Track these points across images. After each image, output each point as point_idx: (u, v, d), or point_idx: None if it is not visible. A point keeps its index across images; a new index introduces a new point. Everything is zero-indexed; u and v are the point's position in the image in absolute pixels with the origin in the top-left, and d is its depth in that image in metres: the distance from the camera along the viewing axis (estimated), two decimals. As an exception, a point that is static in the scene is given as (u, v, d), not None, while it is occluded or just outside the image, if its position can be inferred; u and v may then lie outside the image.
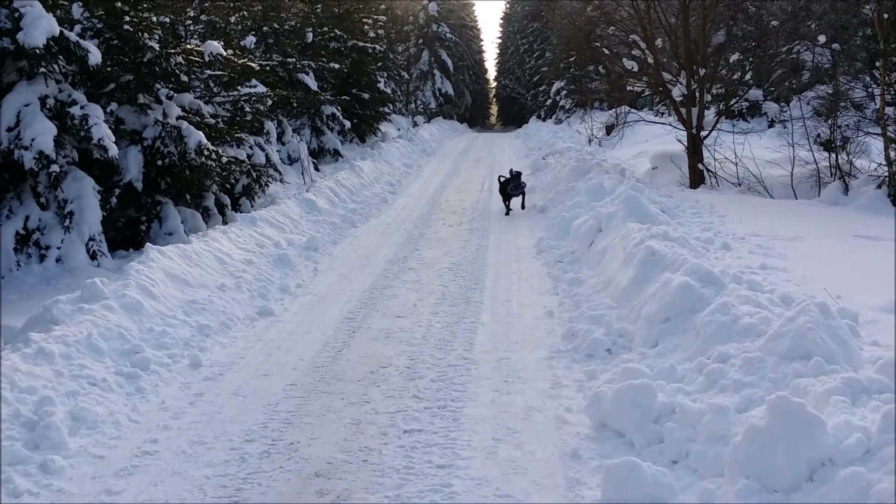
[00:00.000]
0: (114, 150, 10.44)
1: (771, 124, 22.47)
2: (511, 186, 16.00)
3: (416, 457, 5.46)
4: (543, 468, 5.30)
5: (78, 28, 11.06)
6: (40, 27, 9.76)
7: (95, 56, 10.39)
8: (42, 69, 10.20)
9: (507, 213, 15.81)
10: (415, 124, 39.85)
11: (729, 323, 6.35)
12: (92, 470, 5.33)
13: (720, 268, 8.02)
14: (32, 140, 9.73)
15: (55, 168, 9.98)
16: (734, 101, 18.98)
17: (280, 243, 11.72)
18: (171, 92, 12.37)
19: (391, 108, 33.41)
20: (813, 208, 13.46)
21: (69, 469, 5.28)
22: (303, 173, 18.92)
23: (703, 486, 4.60)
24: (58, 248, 10.16)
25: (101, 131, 10.30)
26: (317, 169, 20.53)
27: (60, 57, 10.24)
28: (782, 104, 21.24)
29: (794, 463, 4.22)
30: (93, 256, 10.37)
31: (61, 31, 10.09)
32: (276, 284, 10.10)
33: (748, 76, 17.24)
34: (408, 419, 6.12)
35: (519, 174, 16.27)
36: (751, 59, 17.22)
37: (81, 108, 10.38)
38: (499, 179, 16.56)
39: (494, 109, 79.78)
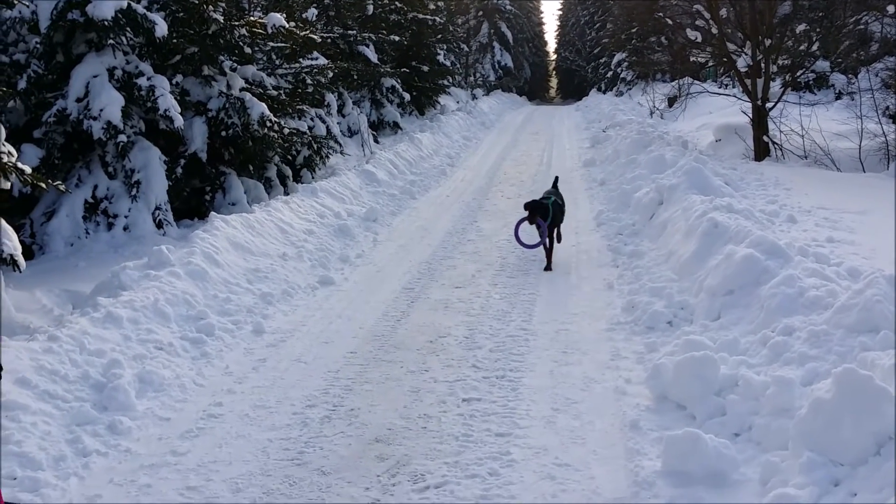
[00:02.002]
0: (179, 121, 10.61)
1: (838, 96, 21.88)
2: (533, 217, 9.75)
3: (475, 425, 5.50)
4: (602, 438, 5.30)
5: (145, 1, 11.22)
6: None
7: (162, 28, 10.55)
8: (110, 41, 10.39)
9: (547, 268, 9.74)
10: (474, 97, 39.67)
11: (794, 296, 6.24)
12: (158, 431, 5.47)
13: (786, 240, 7.87)
14: (101, 110, 9.95)
15: (122, 138, 10.18)
16: (801, 72, 18.50)
17: (340, 214, 11.81)
18: (235, 64, 12.49)
19: (450, 80, 33.28)
20: (881, 182, 13.09)
21: (136, 430, 5.42)
22: (363, 145, 19.00)
23: (767, 460, 4.54)
24: (125, 217, 10.38)
25: (167, 102, 10.47)
26: (376, 141, 20.59)
27: (128, 29, 10.42)
28: (850, 76, 20.66)
29: (861, 436, 4.14)
30: (159, 225, 10.58)
31: (129, 4, 10.25)
32: (336, 254, 10.20)
33: (815, 47, 16.80)
34: (466, 388, 6.15)
35: (547, 198, 10.07)
36: (818, 30, 16.76)
37: (148, 79, 10.56)
38: (525, 207, 9.97)
39: (554, 82, 79.05)
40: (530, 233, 10.10)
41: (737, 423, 5.08)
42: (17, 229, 7.81)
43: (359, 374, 6.51)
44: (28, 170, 7.23)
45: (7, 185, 7.19)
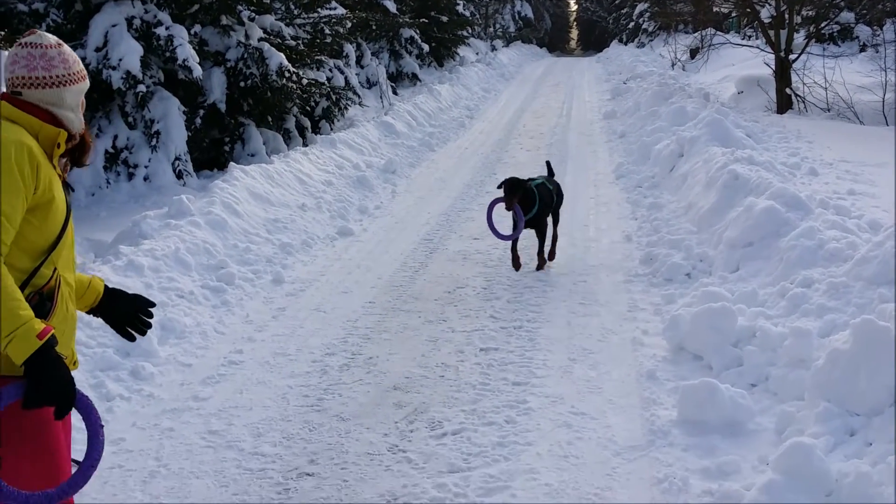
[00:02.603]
0: (198, 71, 10.58)
1: (863, 48, 21.53)
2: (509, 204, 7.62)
3: (492, 374, 5.54)
4: (619, 388, 5.33)
5: (162, -52, 11.14)
6: (126, -53, 9.90)
7: (179, -24, 10.49)
8: (128, -11, 10.35)
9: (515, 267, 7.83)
10: (493, 48, 39.26)
11: (814, 248, 6.21)
12: (180, 377, 5.55)
13: (807, 193, 7.83)
14: (120, 60, 9.94)
15: (142, 88, 10.18)
16: (825, 23, 18.19)
17: (359, 165, 11.80)
18: (253, 13, 12.41)
19: (469, 31, 32.94)
20: (905, 135, 12.95)
21: (159, 376, 5.51)
22: (381, 97, 18.92)
23: (782, 409, 4.57)
24: (145, 167, 10.43)
25: (186, 52, 10.44)
26: (395, 92, 20.49)
27: (145, -23, 10.37)
28: (875, 27, 20.30)
29: (877, 387, 4.14)
30: (179, 175, 10.63)
31: (146, -49, 10.19)
32: (355, 205, 10.22)
33: (841, -2, 16.50)
34: (484, 338, 6.19)
35: (521, 183, 7.71)
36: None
37: (166, 28, 10.52)
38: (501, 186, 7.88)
39: (574, 34, 78.10)
40: (507, 218, 7.96)
41: (753, 373, 5.09)
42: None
43: (377, 323, 6.56)
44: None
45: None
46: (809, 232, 6.41)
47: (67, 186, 2.89)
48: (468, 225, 9.60)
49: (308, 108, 14.08)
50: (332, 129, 14.48)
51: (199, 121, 11.38)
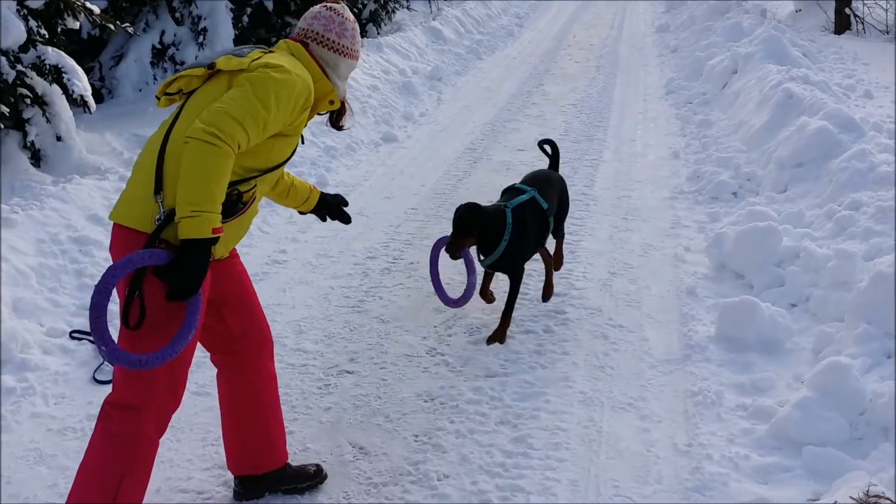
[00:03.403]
0: (246, -31, 10.45)
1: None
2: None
3: (531, 284, 5.56)
4: (658, 303, 5.34)
5: None
6: None
7: None
8: None
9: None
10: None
11: (865, 171, 6.09)
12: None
13: (860, 115, 7.64)
14: (168, -46, 9.83)
15: (189, -16, 10.09)
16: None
17: (405, 71, 11.68)
18: None
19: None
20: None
21: (205, 271, 5.60)
22: (429, 1, 18.57)
23: (821, 330, 4.56)
24: (192, 65, 10.40)
25: (234, -52, 10.28)
26: (443, -2, 20.08)
27: None
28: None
29: (921, 312, 4.12)
30: (224, 74, 10.59)
31: None
32: (399, 112, 10.16)
33: None
34: (525, 248, 6.20)
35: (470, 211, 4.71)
36: None
37: (215, -77, 10.35)
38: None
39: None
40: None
41: (794, 293, 5.07)
42: (87, 72, 7.88)
43: (419, 229, 6.60)
44: (97, 10, 7.23)
45: (76, 25, 7.22)
46: (861, 155, 6.27)
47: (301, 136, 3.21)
48: (513, 136, 9.52)
49: (355, 10, 13.87)
50: (378, 34, 14.28)
51: (246, 19, 11.27)
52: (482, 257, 4.81)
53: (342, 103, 3.25)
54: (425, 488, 3.52)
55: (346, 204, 3.79)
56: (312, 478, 3.50)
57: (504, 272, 4.87)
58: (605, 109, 10.79)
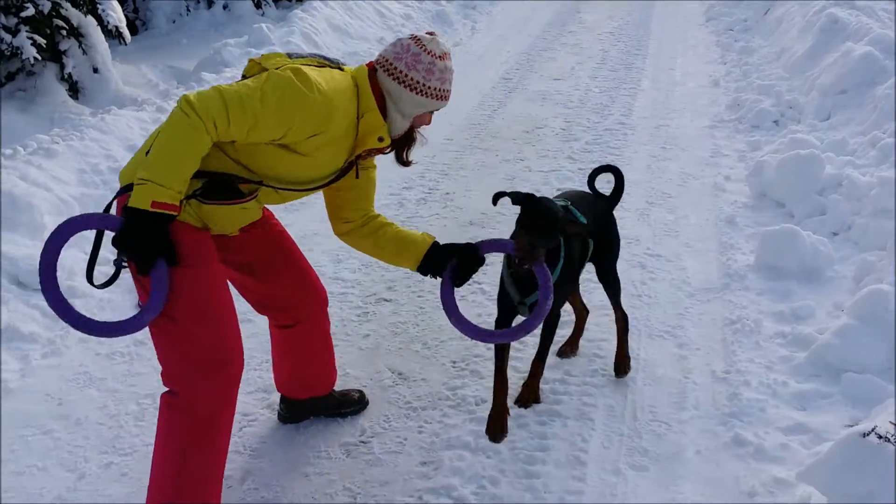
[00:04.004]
0: None
1: None
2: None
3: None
4: (696, 232, 5.30)
5: None
6: None
7: None
8: None
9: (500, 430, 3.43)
10: None
11: (911, 97, 5.96)
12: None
13: (909, 40, 7.43)
14: None
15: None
16: None
17: (439, -1, 11.51)
18: None
19: None
20: None
21: (243, 202, 5.64)
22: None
23: (863, 258, 4.50)
24: (225, -5, 10.36)
25: None
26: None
27: None
28: None
29: (967, 240, 4.05)
30: (258, 5, 10.53)
31: None
32: (434, 41, 10.03)
33: None
34: (561, 178, 6.16)
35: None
36: None
37: None
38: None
39: None
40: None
41: (836, 222, 5.01)
42: (120, 3, 7.87)
43: (454, 160, 6.57)
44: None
45: (110, -43, 7.19)
46: (908, 80, 6.13)
47: (355, 168, 2.94)
48: (549, 65, 9.38)
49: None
50: (412, -38, 14.05)
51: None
52: (524, 296, 3.30)
53: (407, 138, 2.94)
54: (463, 412, 3.57)
55: (480, 262, 3.15)
56: (356, 404, 3.56)
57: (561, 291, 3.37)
58: (643, 37, 10.59)
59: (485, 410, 3.54)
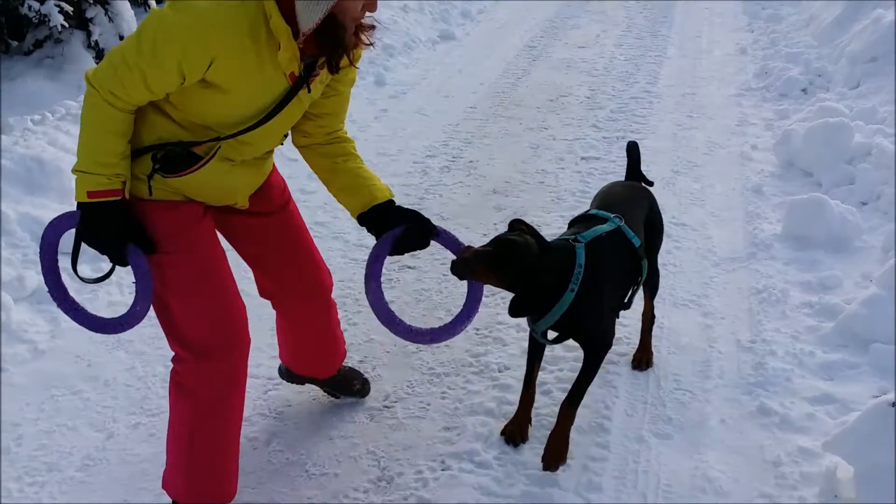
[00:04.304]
0: None
1: None
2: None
3: (592, 182, 5.51)
4: (722, 201, 5.26)
5: None
6: None
7: None
8: None
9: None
10: None
11: (945, 65, 5.86)
12: (287, 171, 5.58)
13: (942, 7, 7.29)
14: None
15: None
16: None
17: (463, -33, 11.39)
18: None
19: None
20: None
21: (267, 169, 5.65)
22: None
23: (891, 228, 4.45)
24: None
25: None
26: None
27: None
28: None
29: None
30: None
31: None
32: (457, 9, 9.93)
33: None
34: (585, 147, 6.13)
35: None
36: None
37: None
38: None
39: None
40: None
41: (865, 191, 4.95)
42: (146, -30, 7.84)
43: (478, 128, 6.54)
44: None
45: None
46: (941, 48, 6.02)
47: (303, 85, 2.50)
48: (573, 33, 9.30)
49: None
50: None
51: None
52: (533, 321, 3.03)
53: (334, 35, 2.40)
54: (486, 379, 3.58)
55: (432, 232, 2.85)
56: (353, 394, 3.44)
57: (577, 340, 3.09)
58: (669, 5, 10.44)
59: (508, 377, 3.56)
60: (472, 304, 2.83)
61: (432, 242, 2.86)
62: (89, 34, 6.58)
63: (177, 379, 2.66)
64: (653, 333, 3.71)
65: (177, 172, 2.47)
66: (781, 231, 4.67)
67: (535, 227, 2.94)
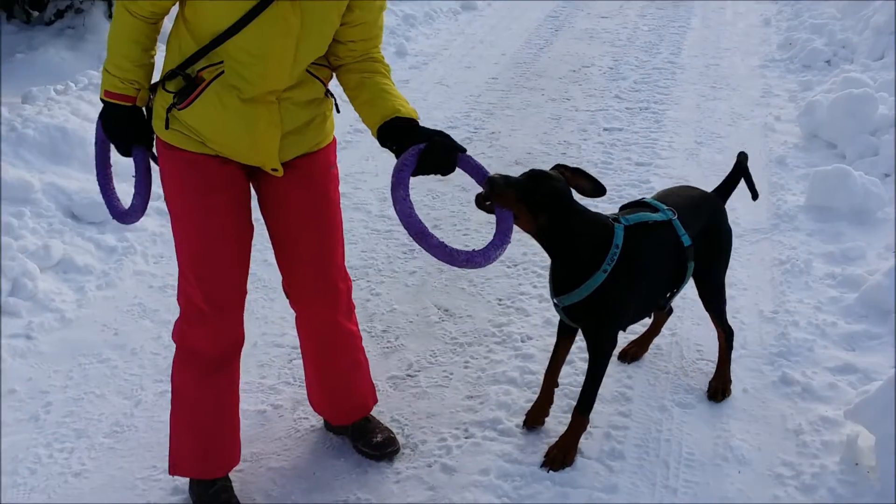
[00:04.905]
0: None
1: None
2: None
3: (615, 153, 5.51)
4: (745, 173, 5.23)
5: None
6: None
7: None
8: None
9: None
10: None
11: (973, 34, 5.79)
12: (309, 142, 5.70)
13: (971, -24, 7.19)
14: None
15: None
16: None
17: (484, -63, 11.30)
18: None
19: None
20: None
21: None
22: None
23: (917, 200, 4.44)
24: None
25: None
26: None
27: None
28: None
29: None
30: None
31: None
32: (479, -21, 9.90)
33: None
34: (608, 118, 6.11)
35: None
36: None
37: None
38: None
39: None
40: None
41: (888, 163, 4.92)
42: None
43: (500, 99, 6.53)
44: None
45: None
46: (969, 17, 5.94)
47: None
48: (596, 3, 9.24)
49: None
50: None
51: None
52: (556, 294, 2.86)
53: None
54: (509, 349, 3.60)
55: (458, 149, 2.62)
56: (373, 448, 3.03)
57: (585, 331, 2.92)
58: (692, -25, 10.35)
59: (530, 347, 3.58)
60: (503, 232, 2.54)
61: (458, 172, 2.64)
62: (110, 4, 6.60)
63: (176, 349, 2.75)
64: (731, 382, 3.31)
65: (186, 99, 2.45)
66: (804, 202, 4.66)
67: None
